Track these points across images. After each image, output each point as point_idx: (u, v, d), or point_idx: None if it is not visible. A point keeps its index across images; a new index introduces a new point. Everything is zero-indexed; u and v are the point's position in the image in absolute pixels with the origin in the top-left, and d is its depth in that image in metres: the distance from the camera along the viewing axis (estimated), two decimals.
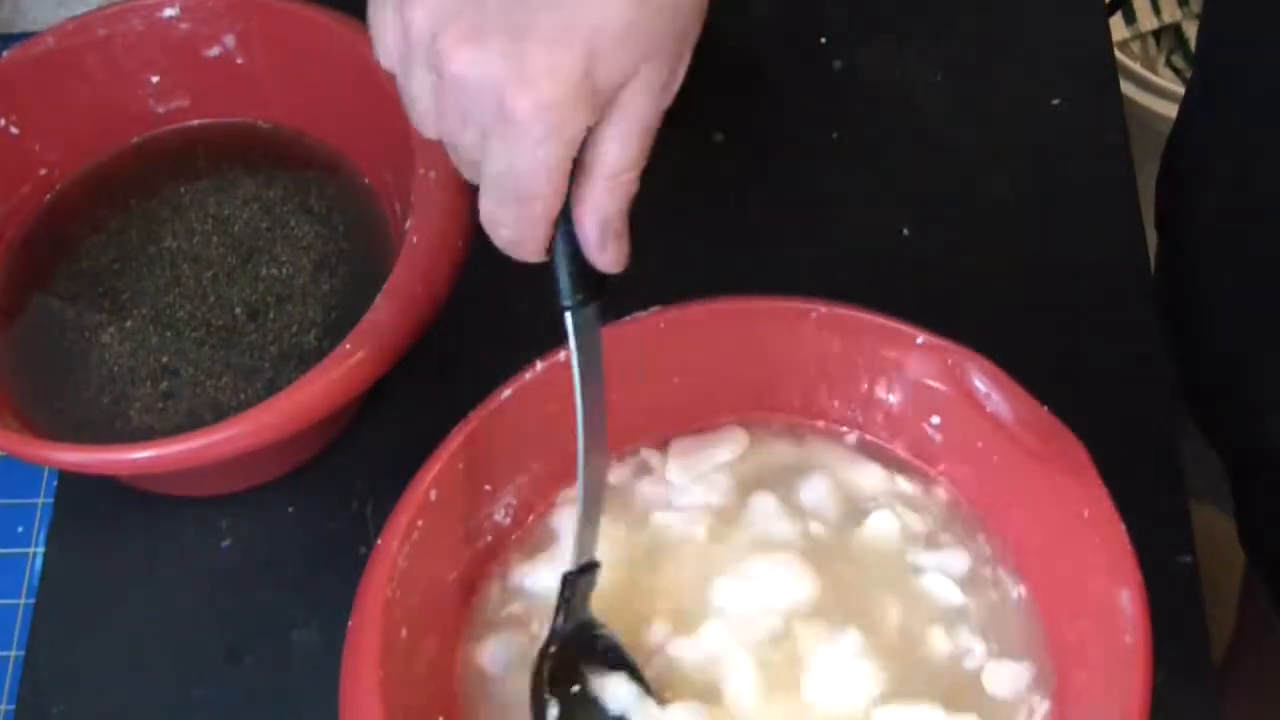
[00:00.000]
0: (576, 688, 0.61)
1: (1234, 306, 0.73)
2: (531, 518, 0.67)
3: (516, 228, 0.53)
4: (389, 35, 0.53)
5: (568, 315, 0.56)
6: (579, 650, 0.61)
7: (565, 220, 0.54)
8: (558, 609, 0.61)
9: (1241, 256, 0.71)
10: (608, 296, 0.56)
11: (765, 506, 0.65)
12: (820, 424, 0.68)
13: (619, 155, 0.52)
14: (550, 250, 0.55)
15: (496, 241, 0.54)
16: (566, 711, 0.60)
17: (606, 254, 0.54)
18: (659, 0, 0.50)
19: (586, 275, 0.55)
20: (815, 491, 0.66)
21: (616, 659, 0.61)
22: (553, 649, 0.61)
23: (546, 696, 0.60)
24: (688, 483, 0.67)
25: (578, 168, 0.52)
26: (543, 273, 0.80)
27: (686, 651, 0.62)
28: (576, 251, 0.55)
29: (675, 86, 0.52)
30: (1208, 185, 0.74)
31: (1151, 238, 0.81)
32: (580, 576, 0.61)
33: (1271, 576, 0.80)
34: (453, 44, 0.50)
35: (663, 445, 0.68)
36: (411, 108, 0.54)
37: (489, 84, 0.49)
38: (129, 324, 0.76)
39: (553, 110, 0.49)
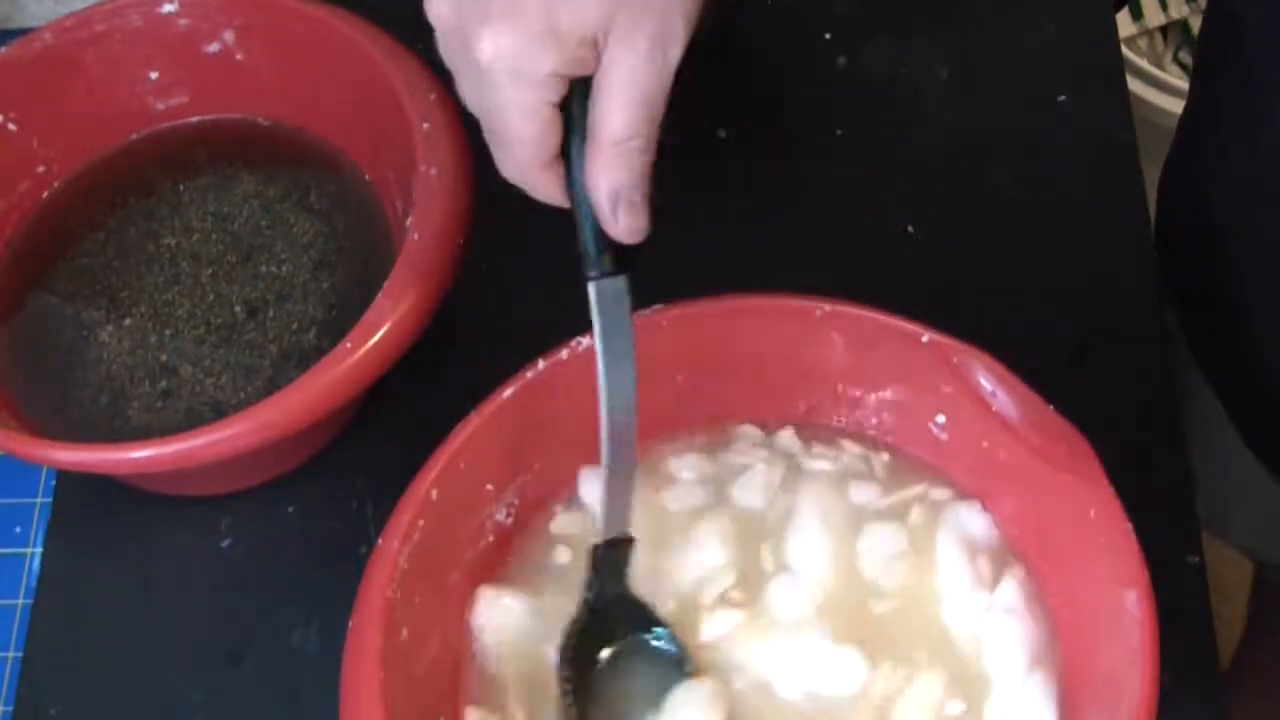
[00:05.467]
0: (602, 660, 0.61)
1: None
2: (534, 521, 0.66)
3: (511, 170, 0.54)
4: None
5: (590, 286, 0.56)
6: (609, 625, 0.61)
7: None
8: (588, 582, 0.61)
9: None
10: (633, 270, 0.56)
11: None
12: (823, 422, 0.68)
13: (615, 122, 0.52)
14: (572, 199, 0.55)
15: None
16: (591, 684, 0.60)
17: (619, 224, 0.54)
18: None
19: (613, 246, 0.55)
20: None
21: (648, 632, 0.62)
22: (580, 623, 0.61)
23: (569, 673, 0.60)
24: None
25: (587, 134, 0.53)
26: (544, 272, 0.80)
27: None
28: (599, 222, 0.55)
29: (672, 52, 0.52)
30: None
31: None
32: (611, 550, 0.61)
33: None
34: None
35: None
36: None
37: (456, 25, 0.52)
38: (128, 322, 0.75)
39: (512, 53, 0.51)
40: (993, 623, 0.62)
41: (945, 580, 0.63)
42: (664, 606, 0.63)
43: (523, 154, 0.54)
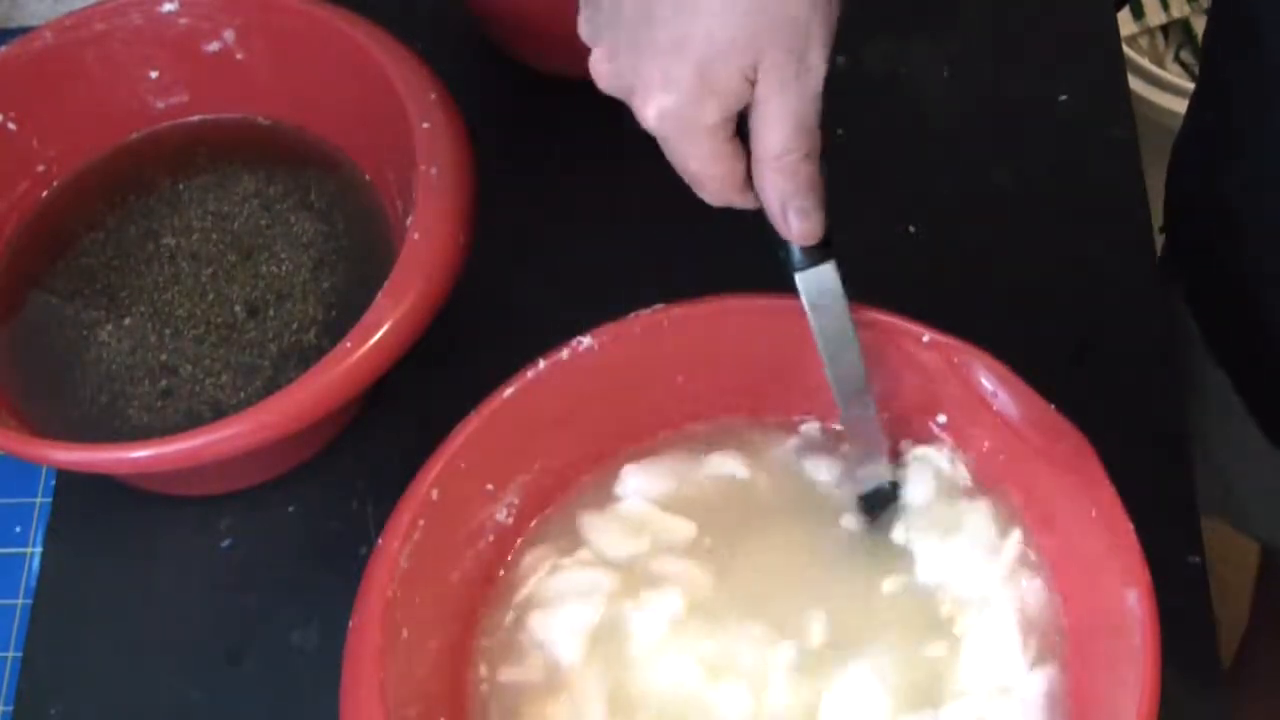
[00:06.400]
0: None
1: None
2: (535, 521, 0.66)
3: (709, 198, 0.59)
4: None
5: (796, 278, 0.60)
6: None
7: None
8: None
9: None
10: (833, 256, 0.60)
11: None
12: (824, 421, 0.68)
13: (772, 140, 0.56)
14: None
15: None
16: None
17: (790, 227, 0.59)
18: (759, 3, 0.54)
19: None
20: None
21: None
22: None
23: None
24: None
25: (751, 152, 0.57)
26: (544, 272, 0.80)
27: None
28: None
29: (814, 71, 0.56)
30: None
31: (1158, 236, 0.80)
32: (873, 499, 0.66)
33: None
34: (595, 61, 0.57)
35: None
36: None
37: (624, 95, 0.57)
38: (127, 322, 0.75)
39: (674, 114, 0.55)
40: (1003, 708, 0.60)
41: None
42: None
43: (715, 187, 0.58)
